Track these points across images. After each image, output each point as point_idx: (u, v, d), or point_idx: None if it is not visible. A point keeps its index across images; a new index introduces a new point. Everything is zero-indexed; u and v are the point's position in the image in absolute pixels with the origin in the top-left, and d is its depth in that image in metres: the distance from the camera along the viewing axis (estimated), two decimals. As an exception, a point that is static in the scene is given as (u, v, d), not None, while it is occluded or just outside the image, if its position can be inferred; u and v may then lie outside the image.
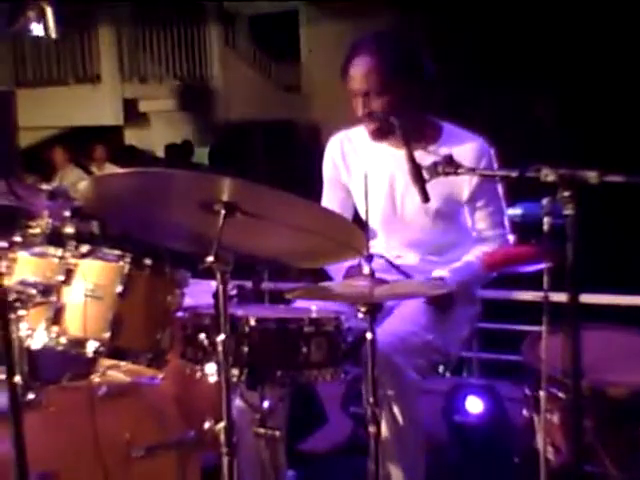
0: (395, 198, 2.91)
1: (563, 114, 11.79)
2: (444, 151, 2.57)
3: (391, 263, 2.71)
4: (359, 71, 2.80)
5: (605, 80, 11.18)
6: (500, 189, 2.93)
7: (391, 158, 2.89)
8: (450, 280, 2.79)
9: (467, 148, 2.82)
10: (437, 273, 2.83)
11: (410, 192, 2.72)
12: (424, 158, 2.34)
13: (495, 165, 2.88)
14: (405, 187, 2.84)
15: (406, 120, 2.59)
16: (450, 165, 2.21)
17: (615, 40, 11.08)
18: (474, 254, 2.91)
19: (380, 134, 2.87)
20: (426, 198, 2.35)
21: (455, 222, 2.94)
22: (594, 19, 10.89)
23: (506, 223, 2.93)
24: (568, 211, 1.96)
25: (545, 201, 2.11)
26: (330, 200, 3.06)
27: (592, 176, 1.97)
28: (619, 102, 11.06)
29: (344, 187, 3.03)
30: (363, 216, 2.51)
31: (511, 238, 2.94)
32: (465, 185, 2.86)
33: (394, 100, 2.77)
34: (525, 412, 2.46)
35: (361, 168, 2.90)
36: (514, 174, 2.11)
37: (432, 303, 2.81)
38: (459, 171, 2.22)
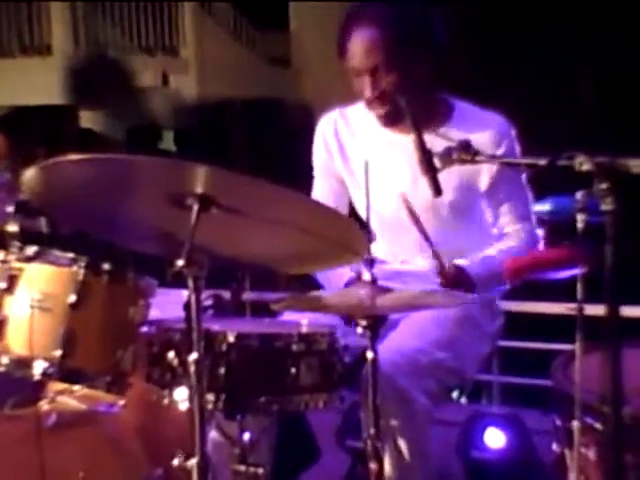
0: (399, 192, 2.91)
1: (604, 92, 11.81)
2: (455, 133, 2.59)
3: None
4: (361, 46, 2.79)
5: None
6: (524, 177, 2.92)
7: (396, 145, 2.89)
8: (471, 271, 2.79)
9: (484, 129, 2.82)
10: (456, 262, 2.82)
11: (419, 185, 2.71)
12: (433, 142, 2.35)
13: (517, 148, 2.88)
14: (413, 179, 2.83)
15: (415, 99, 2.60)
16: (467, 151, 2.21)
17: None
18: (496, 248, 2.91)
19: (393, 118, 2.86)
20: (438, 191, 2.35)
21: (472, 219, 2.94)
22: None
23: (532, 216, 2.93)
24: (606, 206, 1.96)
25: (579, 195, 2.11)
26: (321, 192, 3.05)
27: (635, 165, 1.97)
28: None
29: (338, 176, 3.03)
30: (362, 212, 2.51)
31: (540, 233, 2.93)
32: (483, 173, 2.86)
33: (404, 76, 2.77)
34: (555, 446, 2.46)
35: (359, 155, 2.90)
36: (543, 162, 2.11)
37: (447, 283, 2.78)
38: (477, 158, 2.22)
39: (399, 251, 2.96)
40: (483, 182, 2.88)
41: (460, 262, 2.83)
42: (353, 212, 2.95)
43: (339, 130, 3.01)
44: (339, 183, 3.03)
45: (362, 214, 2.85)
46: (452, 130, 2.74)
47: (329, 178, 3.05)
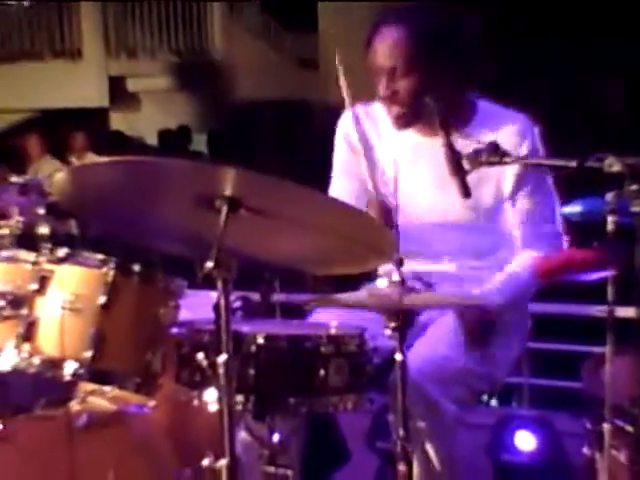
0: (425, 196, 2.89)
1: (633, 96, 11.74)
2: (479, 134, 2.61)
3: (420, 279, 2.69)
4: (384, 44, 2.79)
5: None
6: (549, 179, 2.90)
7: (421, 148, 2.88)
8: (495, 298, 2.76)
9: (506, 128, 2.81)
10: (480, 289, 2.81)
11: (445, 187, 2.71)
12: (457, 143, 2.34)
13: (540, 147, 2.86)
14: (438, 181, 2.82)
15: (441, 102, 2.59)
16: (495, 153, 2.21)
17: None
18: (520, 262, 2.88)
19: (406, 120, 2.85)
20: (467, 192, 2.34)
21: (497, 221, 2.92)
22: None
23: (558, 218, 2.91)
24: (637, 208, 1.95)
25: (609, 196, 2.10)
26: (340, 192, 2.99)
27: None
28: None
29: (359, 176, 2.98)
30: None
31: (565, 238, 2.91)
32: (508, 175, 2.84)
33: (424, 80, 2.76)
34: (586, 449, 2.45)
35: (385, 154, 2.89)
36: (573, 164, 2.10)
37: (467, 333, 2.77)
38: (505, 160, 2.22)
39: (425, 255, 2.93)
40: (508, 185, 2.86)
41: (486, 287, 2.80)
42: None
43: (364, 127, 2.98)
44: (360, 183, 2.98)
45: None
46: (475, 131, 2.74)
47: (350, 178, 3.00)
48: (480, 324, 2.75)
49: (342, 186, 3.02)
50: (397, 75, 2.78)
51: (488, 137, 2.72)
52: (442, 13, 2.85)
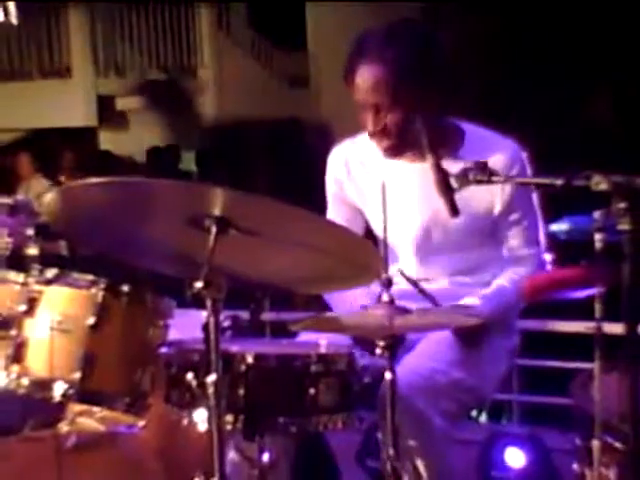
0: (418, 217, 2.91)
1: (621, 113, 11.75)
2: (468, 159, 2.60)
3: (415, 284, 2.71)
4: (365, 82, 2.79)
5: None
6: (536, 200, 2.93)
7: (407, 172, 2.89)
8: (481, 309, 2.79)
9: (496, 154, 2.82)
10: (466, 301, 2.83)
11: (434, 209, 2.73)
12: (448, 167, 2.36)
13: (529, 171, 2.88)
14: (426, 201, 2.84)
15: (428, 126, 2.61)
16: (483, 172, 2.22)
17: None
18: (507, 277, 2.91)
19: (397, 151, 2.88)
20: (455, 211, 2.35)
21: (485, 241, 2.94)
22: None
23: (541, 240, 2.94)
24: (624, 226, 1.96)
25: (597, 214, 2.11)
26: (335, 217, 3.04)
27: (652, 184, 1.97)
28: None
29: (351, 204, 3.04)
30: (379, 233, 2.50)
31: (548, 258, 2.94)
32: (497, 196, 2.86)
33: (410, 111, 2.76)
34: (575, 466, 2.45)
35: (372, 185, 2.92)
36: (559, 182, 2.11)
37: (460, 336, 2.80)
38: (493, 179, 2.22)
39: (419, 272, 2.95)
40: (497, 205, 2.88)
41: (471, 301, 2.82)
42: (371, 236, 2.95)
43: (350, 166, 3.01)
44: (352, 210, 3.03)
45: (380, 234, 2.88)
46: (464, 156, 2.73)
47: (341, 206, 3.05)
48: (471, 330, 2.75)
49: (335, 212, 3.06)
50: (382, 110, 2.79)
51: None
52: (415, 38, 2.84)
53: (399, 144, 2.84)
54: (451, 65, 2.88)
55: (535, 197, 2.92)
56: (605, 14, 11.31)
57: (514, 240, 2.93)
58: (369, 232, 3.03)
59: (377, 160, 2.96)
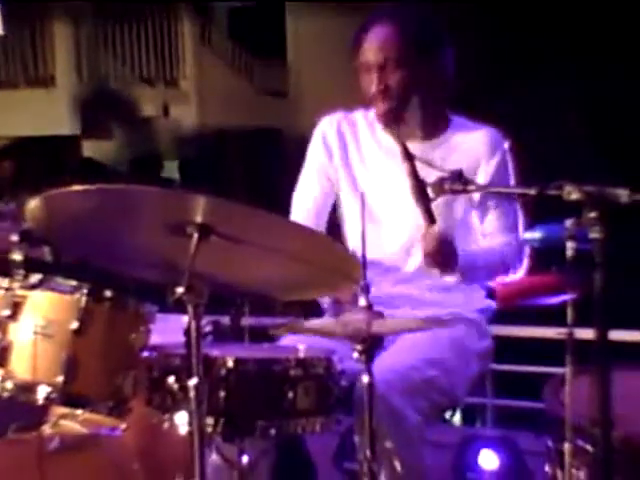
0: (400, 201, 2.88)
1: (595, 119, 11.72)
2: (452, 141, 2.76)
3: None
4: (376, 40, 2.85)
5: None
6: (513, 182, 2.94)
7: (396, 154, 2.88)
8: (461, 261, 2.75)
9: (478, 138, 2.88)
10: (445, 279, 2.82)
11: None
12: (433, 150, 2.51)
13: (510, 160, 2.91)
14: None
15: (420, 102, 2.65)
16: (458, 181, 2.23)
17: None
18: (491, 245, 2.91)
19: (394, 116, 2.87)
20: (432, 220, 2.36)
21: (466, 230, 2.92)
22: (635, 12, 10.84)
23: (520, 227, 2.94)
24: (595, 234, 1.97)
25: (568, 223, 2.12)
26: (309, 191, 3.02)
27: (623, 194, 1.98)
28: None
29: (330, 178, 3.01)
30: (351, 216, 2.63)
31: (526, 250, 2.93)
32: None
33: (412, 77, 2.83)
34: (547, 468, 2.46)
35: (360, 160, 2.92)
36: (533, 191, 2.12)
37: (433, 263, 2.75)
38: (468, 188, 2.23)
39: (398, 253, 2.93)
40: (477, 194, 2.88)
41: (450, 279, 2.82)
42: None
43: (343, 131, 3.00)
44: (329, 184, 3.01)
45: (351, 218, 2.91)
46: (449, 139, 2.84)
47: (321, 178, 3.02)
48: (440, 245, 2.71)
49: (312, 185, 3.03)
50: (388, 69, 2.83)
51: (460, 146, 2.84)
52: (427, 17, 2.95)
53: (396, 108, 2.85)
54: (452, 54, 2.92)
55: (512, 182, 2.93)
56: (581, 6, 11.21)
57: (490, 226, 2.93)
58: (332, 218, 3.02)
59: (367, 139, 2.97)
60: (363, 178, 2.95)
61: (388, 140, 2.92)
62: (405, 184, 2.83)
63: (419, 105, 2.75)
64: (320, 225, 2.98)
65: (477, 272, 2.87)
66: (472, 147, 2.85)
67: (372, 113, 2.96)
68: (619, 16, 10.86)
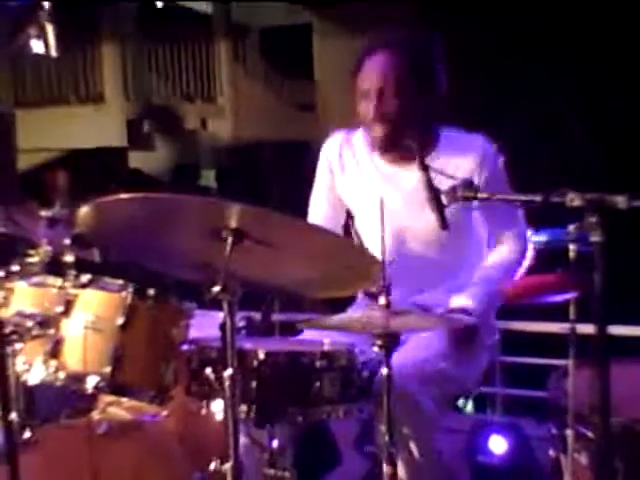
0: (394, 223, 2.85)
1: (597, 129, 11.54)
2: (440, 161, 2.64)
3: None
4: (374, 67, 2.76)
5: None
6: (509, 187, 2.82)
7: (390, 178, 2.86)
8: (474, 308, 2.73)
9: (465, 153, 2.79)
10: (457, 302, 2.77)
11: (414, 217, 2.72)
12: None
13: (499, 162, 2.83)
14: (409, 211, 2.80)
15: (414, 129, 2.60)
16: (470, 189, 2.22)
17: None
18: (493, 262, 2.85)
19: (390, 142, 2.79)
20: (445, 225, 2.35)
21: (470, 235, 2.88)
22: (634, 22, 10.61)
23: (522, 220, 2.87)
24: (595, 238, 1.96)
25: (571, 227, 2.11)
26: (321, 210, 2.99)
27: (621, 201, 1.97)
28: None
29: (338, 195, 2.97)
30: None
31: (529, 234, 2.86)
32: (478, 179, 2.73)
33: (408, 105, 2.74)
34: (551, 452, 2.45)
35: (357, 180, 2.90)
36: (537, 199, 2.11)
37: (456, 337, 2.76)
38: (479, 196, 2.22)
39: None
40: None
41: (461, 301, 2.76)
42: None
43: (343, 153, 2.95)
44: (339, 201, 2.97)
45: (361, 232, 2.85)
46: (437, 158, 2.72)
47: (329, 196, 2.98)
48: (464, 329, 2.71)
49: (322, 205, 3.00)
50: (386, 95, 2.74)
51: (451, 160, 2.75)
52: (424, 40, 2.85)
53: (393, 135, 2.76)
54: (445, 83, 2.84)
55: (508, 185, 2.83)
56: (580, 20, 10.99)
57: (496, 222, 2.86)
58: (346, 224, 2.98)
59: (366, 160, 2.91)
60: (355, 197, 2.92)
61: (382, 163, 2.88)
62: (403, 199, 2.82)
63: (415, 129, 2.66)
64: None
65: (493, 303, 2.83)
66: (461, 160, 2.72)
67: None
68: (621, 24, 10.66)
